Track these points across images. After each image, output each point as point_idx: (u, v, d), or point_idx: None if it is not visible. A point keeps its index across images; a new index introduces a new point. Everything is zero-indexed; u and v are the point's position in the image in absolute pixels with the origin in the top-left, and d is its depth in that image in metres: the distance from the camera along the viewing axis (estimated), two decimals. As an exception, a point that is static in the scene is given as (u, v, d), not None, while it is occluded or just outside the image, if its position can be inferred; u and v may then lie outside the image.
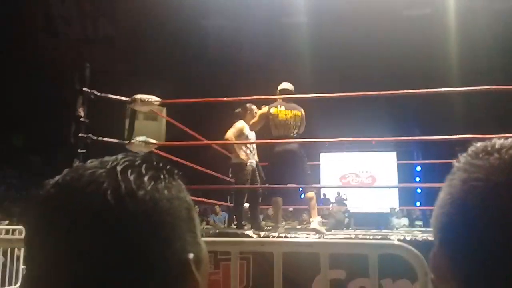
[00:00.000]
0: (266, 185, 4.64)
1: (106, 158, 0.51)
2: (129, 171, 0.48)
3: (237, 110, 5.11)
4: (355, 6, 13.38)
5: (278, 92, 4.66)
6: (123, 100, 4.19)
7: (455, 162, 0.54)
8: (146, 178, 0.49)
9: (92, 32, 15.27)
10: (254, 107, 4.95)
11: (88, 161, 0.52)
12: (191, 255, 0.49)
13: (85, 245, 0.45)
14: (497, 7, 13.14)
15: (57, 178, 0.51)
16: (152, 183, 0.49)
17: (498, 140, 0.51)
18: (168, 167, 0.53)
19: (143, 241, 0.46)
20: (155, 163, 0.52)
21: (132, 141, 3.99)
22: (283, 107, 4.48)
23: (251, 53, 16.17)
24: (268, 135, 4.59)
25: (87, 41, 14.87)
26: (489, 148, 0.50)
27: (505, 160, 0.47)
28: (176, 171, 0.54)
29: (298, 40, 14.81)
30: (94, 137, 3.77)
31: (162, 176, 0.50)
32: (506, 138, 0.52)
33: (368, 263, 1.44)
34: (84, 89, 3.76)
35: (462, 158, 0.52)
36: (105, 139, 3.95)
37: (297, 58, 14.87)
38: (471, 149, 0.52)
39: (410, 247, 1.32)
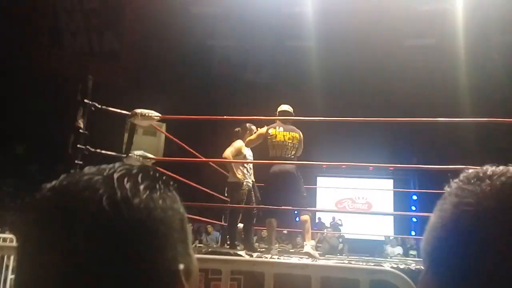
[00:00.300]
0: (261, 206, 4.63)
1: (104, 166, 0.52)
2: (126, 179, 0.49)
3: (236, 129, 5.13)
4: (360, 34, 13.59)
5: (277, 114, 4.71)
6: (124, 113, 4.21)
7: (446, 188, 0.55)
8: (142, 187, 0.49)
9: (97, 46, 15.43)
10: (253, 127, 4.97)
11: (86, 168, 0.53)
12: (181, 266, 0.50)
13: (79, 249, 0.45)
14: (501, 39, 13.36)
15: (54, 182, 0.51)
16: (148, 192, 0.49)
17: (490, 167, 0.52)
18: (163, 178, 0.54)
19: (136, 248, 0.46)
20: (151, 173, 0.53)
21: (130, 154, 3.99)
22: (281, 128, 4.52)
23: (254, 74, 16.34)
24: (266, 155, 4.61)
25: (91, 54, 15.02)
26: (481, 175, 0.50)
27: (495, 187, 0.48)
28: (171, 183, 0.55)
29: (301, 63, 14.98)
30: (92, 149, 3.77)
31: (157, 186, 0.51)
32: (498, 165, 0.53)
33: (360, 285, 1.44)
34: (86, 100, 3.79)
35: (454, 183, 0.53)
36: (103, 151, 3.95)
37: (300, 81, 15.02)
38: (463, 175, 0.53)
39: (402, 274, 1.32)
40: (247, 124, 5.04)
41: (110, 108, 4.06)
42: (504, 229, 0.45)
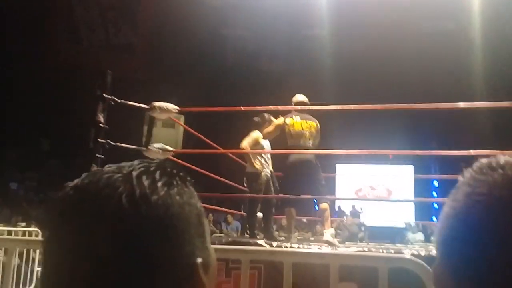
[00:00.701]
0: (280, 195, 4.65)
1: (123, 164, 0.54)
2: (144, 177, 0.51)
3: (255, 119, 5.13)
4: (376, 20, 13.37)
5: (293, 104, 4.70)
6: (142, 107, 4.26)
7: (460, 177, 0.55)
8: (159, 184, 0.51)
9: (114, 40, 15.56)
10: (272, 118, 4.97)
11: (106, 166, 0.55)
12: (199, 260, 0.52)
13: (99, 246, 0.47)
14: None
15: (76, 181, 0.54)
16: (165, 188, 0.51)
17: (503, 157, 0.52)
18: (181, 174, 0.55)
19: (154, 244, 0.48)
20: (169, 169, 0.55)
21: (150, 147, 4.05)
22: (298, 118, 4.50)
23: (270, 64, 16.27)
24: (284, 145, 4.61)
25: (109, 48, 15.16)
26: (494, 164, 0.50)
27: (508, 176, 0.48)
28: (188, 178, 0.56)
29: (317, 52, 14.84)
30: (113, 143, 3.84)
31: (175, 183, 0.53)
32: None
33: (378, 275, 1.45)
34: (105, 95, 3.84)
35: (467, 173, 0.53)
36: (123, 145, 4.01)
37: (316, 69, 14.89)
38: (475, 165, 0.53)
39: (421, 261, 1.32)
40: (266, 115, 5.03)
41: (129, 102, 4.11)
42: None
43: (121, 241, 0.48)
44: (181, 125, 8.02)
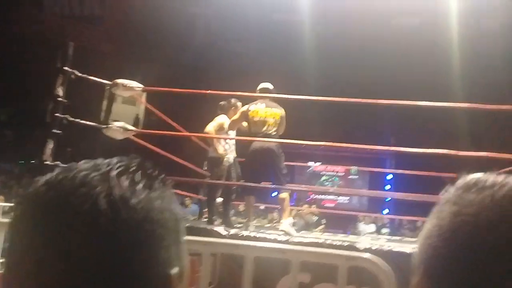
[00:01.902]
0: (241, 183, 4.65)
1: (100, 161, 0.51)
2: (123, 177, 0.48)
3: (222, 103, 5.08)
4: (348, 10, 13.49)
5: (258, 91, 4.68)
6: (104, 83, 4.12)
7: (443, 194, 0.55)
8: (140, 186, 0.48)
9: (79, 9, 14.89)
10: (239, 103, 4.94)
11: (82, 162, 0.51)
12: (175, 269, 0.49)
13: (73, 246, 0.44)
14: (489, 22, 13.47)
15: (48, 176, 0.50)
16: (146, 192, 0.49)
17: (490, 176, 0.52)
18: (162, 176, 0.53)
19: (131, 249, 0.46)
20: (149, 171, 0.52)
21: (110, 125, 3.93)
22: (263, 105, 4.50)
23: (239, 46, 16.11)
24: (247, 131, 4.60)
25: (73, 18, 14.49)
26: (481, 184, 0.50)
27: (496, 199, 0.48)
28: (169, 181, 0.54)
29: (287, 37, 14.82)
30: (71, 118, 3.70)
31: (156, 185, 0.50)
32: (499, 173, 0.53)
33: (338, 272, 1.47)
34: (65, 68, 3.68)
35: (452, 190, 0.53)
36: (82, 121, 3.87)
37: (287, 54, 14.89)
38: (461, 182, 0.53)
39: (380, 261, 1.35)
40: (233, 100, 4.99)
41: (91, 77, 3.96)
42: (504, 242, 0.45)
43: (96, 244, 0.45)
44: (144, 104, 7.82)
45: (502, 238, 0.45)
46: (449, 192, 0.53)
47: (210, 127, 4.76)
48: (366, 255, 1.39)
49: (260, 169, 4.40)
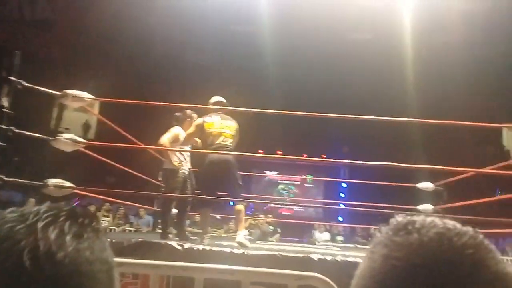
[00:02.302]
0: (197, 196, 4.60)
1: (28, 210, 0.49)
2: (51, 229, 0.46)
3: (177, 114, 5.03)
4: (304, 23, 13.75)
5: (210, 105, 4.70)
6: (53, 93, 3.97)
7: (376, 233, 0.57)
8: (68, 237, 0.47)
9: (29, 13, 14.28)
10: (195, 115, 4.90)
11: (8, 211, 0.49)
12: None
13: None
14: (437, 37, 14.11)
15: None
16: (74, 243, 0.47)
17: (419, 218, 0.54)
18: (93, 223, 0.51)
19: None
20: (80, 219, 0.50)
21: (58, 138, 3.78)
22: (218, 117, 4.51)
23: (196, 55, 16.03)
24: (203, 144, 4.57)
25: (21, 23, 13.87)
26: (410, 227, 0.52)
27: (423, 242, 0.50)
28: (100, 228, 0.52)
29: (245, 48, 14.90)
30: (17, 130, 3.54)
31: (85, 235, 0.49)
32: (427, 215, 0.56)
33: (288, 289, 1.49)
34: (11, 77, 3.53)
35: (384, 231, 0.55)
36: (29, 133, 3.71)
37: (243, 65, 14.97)
38: (392, 223, 0.55)
39: (328, 280, 1.38)
40: (188, 111, 4.95)
41: (39, 88, 3.81)
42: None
43: None
44: (95, 114, 7.59)
45: (428, 284, 0.47)
46: (381, 233, 0.55)
47: (165, 139, 4.69)
48: (315, 274, 1.41)
49: (217, 181, 4.39)
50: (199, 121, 4.58)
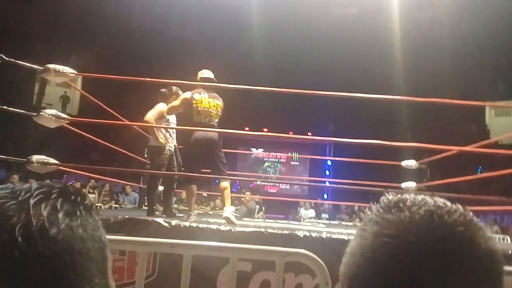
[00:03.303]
0: (183, 173, 4.59)
1: (19, 187, 0.48)
2: (43, 205, 0.46)
3: (162, 90, 4.95)
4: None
5: (199, 79, 4.58)
6: (34, 68, 3.87)
7: (367, 211, 0.57)
8: (61, 214, 0.46)
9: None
10: (180, 92, 4.84)
11: None
12: None
13: None
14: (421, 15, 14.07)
15: None
16: (67, 220, 0.46)
17: (409, 196, 0.54)
18: (86, 202, 0.50)
19: (49, 283, 0.43)
20: (72, 197, 0.49)
21: (41, 113, 3.70)
22: (206, 95, 4.44)
23: (179, 29, 15.76)
24: (189, 120, 4.51)
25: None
26: (401, 204, 0.53)
27: (415, 220, 0.50)
28: (94, 206, 0.52)
29: (228, 22, 14.69)
30: (-2, 106, 3.46)
31: (78, 213, 0.48)
32: (418, 192, 0.56)
33: (275, 266, 1.50)
34: (-10, 52, 3.43)
35: (374, 208, 0.55)
36: (11, 109, 3.63)
37: (226, 39, 14.76)
38: (383, 201, 0.55)
39: (315, 256, 1.40)
40: (174, 88, 4.88)
41: (19, 62, 3.71)
42: (421, 264, 0.48)
43: (11, 279, 0.42)
44: (77, 89, 7.45)
45: (419, 261, 0.48)
46: (372, 211, 0.55)
47: (150, 116, 4.64)
48: (301, 251, 1.43)
49: (202, 158, 4.38)
50: (186, 95, 4.48)
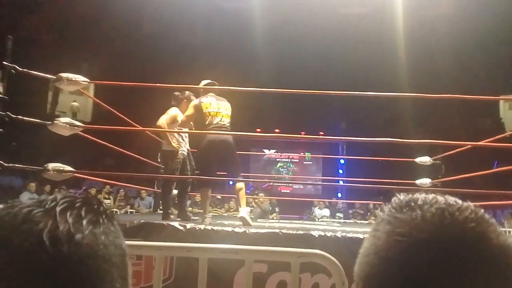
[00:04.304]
0: (196, 177, 4.62)
1: (44, 197, 0.51)
2: (68, 213, 0.48)
3: (176, 93, 4.99)
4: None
5: (201, 89, 4.68)
6: (48, 77, 3.93)
7: (379, 212, 0.58)
8: (85, 222, 0.49)
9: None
10: (193, 97, 4.88)
11: (26, 198, 0.50)
12: None
13: (15, 283, 0.44)
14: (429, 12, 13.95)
15: None
16: (91, 227, 0.49)
17: (420, 195, 0.55)
18: (108, 212, 0.53)
19: (74, 285, 0.46)
20: (95, 206, 0.52)
21: (56, 122, 3.76)
22: (213, 98, 4.51)
23: (189, 35, 15.84)
24: (202, 123, 4.53)
25: (14, 7, 13.62)
26: (412, 203, 0.53)
27: (426, 218, 0.51)
28: (115, 216, 0.54)
29: (236, 26, 14.71)
30: (13, 116, 3.52)
31: (101, 221, 0.51)
32: (428, 191, 0.56)
33: (291, 267, 1.51)
34: (5, 63, 3.50)
35: (386, 209, 0.56)
36: (26, 118, 3.70)
37: (236, 44, 14.81)
38: (395, 201, 0.56)
39: (330, 256, 1.40)
40: (187, 92, 4.93)
41: (33, 72, 3.78)
42: (434, 263, 0.48)
43: (40, 280, 0.44)
44: (90, 97, 7.53)
45: (432, 259, 0.48)
46: (384, 211, 0.55)
47: (163, 121, 4.68)
48: (316, 251, 1.43)
49: (218, 161, 4.40)
50: (195, 102, 4.56)
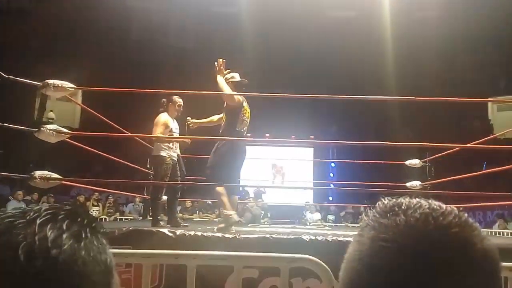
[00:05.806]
0: (185, 182, 4.58)
1: (29, 208, 0.49)
2: (49, 226, 0.46)
3: (163, 100, 4.95)
4: (285, 3, 13.63)
5: (230, 81, 4.22)
6: (34, 84, 3.88)
7: (364, 216, 0.57)
8: (65, 235, 0.46)
9: (4, 2, 13.89)
10: (179, 99, 4.85)
11: (11, 208, 0.50)
12: None
13: None
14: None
15: None
16: (71, 241, 0.46)
17: (405, 200, 0.54)
18: (93, 224, 0.50)
19: None
20: (79, 219, 0.49)
21: (42, 129, 3.71)
22: (246, 104, 4.23)
23: (179, 39, 15.83)
24: (232, 127, 4.15)
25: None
26: (396, 208, 0.53)
27: (410, 223, 0.50)
28: (101, 229, 0.52)
29: (226, 30, 14.74)
30: (0, 123, 3.47)
31: (83, 235, 0.48)
32: (412, 196, 0.56)
33: (280, 272, 1.50)
34: (-11, 70, 3.45)
35: (371, 214, 0.55)
36: (12, 126, 3.64)
37: (227, 47, 14.81)
38: (379, 206, 0.55)
39: (319, 261, 1.39)
40: (174, 97, 4.89)
41: (18, 79, 3.73)
42: (417, 269, 0.47)
43: None
44: (78, 103, 7.45)
45: (416, 264, 0.48)
46: (368, 217, 0.55)
47: (158, 133, 4.62)
48: (305, 256, 1.42)
49: (240, 168, 4.26)
50: (240, 98, 4.14)
